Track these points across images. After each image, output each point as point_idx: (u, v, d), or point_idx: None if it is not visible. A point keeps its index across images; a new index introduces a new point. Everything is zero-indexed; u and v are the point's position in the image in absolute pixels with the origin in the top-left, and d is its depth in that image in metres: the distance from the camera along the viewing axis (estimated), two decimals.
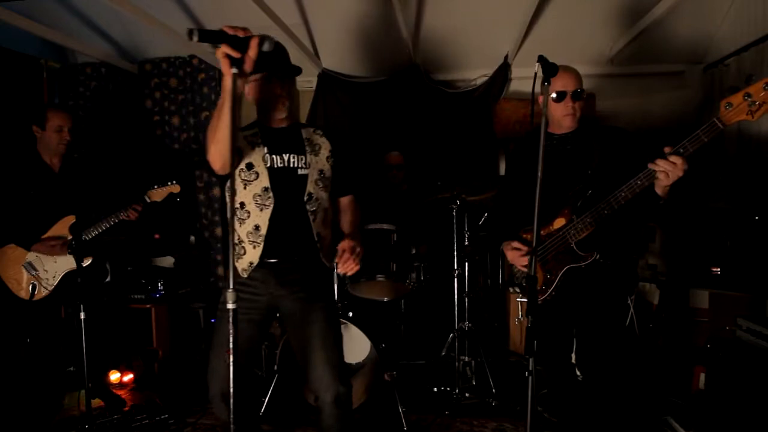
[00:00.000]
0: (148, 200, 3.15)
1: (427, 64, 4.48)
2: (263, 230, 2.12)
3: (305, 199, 2.15)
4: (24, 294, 3.10)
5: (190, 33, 1.54)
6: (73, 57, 4.66)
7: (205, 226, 4.64)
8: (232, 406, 1.50)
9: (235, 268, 1.55)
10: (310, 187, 2.16)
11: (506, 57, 4.39)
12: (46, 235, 3.13)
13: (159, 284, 4.14)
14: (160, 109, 4.67)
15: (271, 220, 2.10)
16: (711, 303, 3.47)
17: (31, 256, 3.13)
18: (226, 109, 1.74)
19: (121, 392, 3.60)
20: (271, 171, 2.12)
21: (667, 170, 1.99)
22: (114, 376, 3.71)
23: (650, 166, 2.03)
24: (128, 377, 3.75)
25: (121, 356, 3.81)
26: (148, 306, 3.97)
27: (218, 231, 4.60)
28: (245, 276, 2.16)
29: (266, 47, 1.63)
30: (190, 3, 4.02)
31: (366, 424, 3.15)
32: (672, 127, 4.26)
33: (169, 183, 3.18)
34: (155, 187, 3.16)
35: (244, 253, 2.15)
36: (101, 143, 4.42)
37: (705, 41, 4.10)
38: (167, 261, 4.45)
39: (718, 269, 3.56)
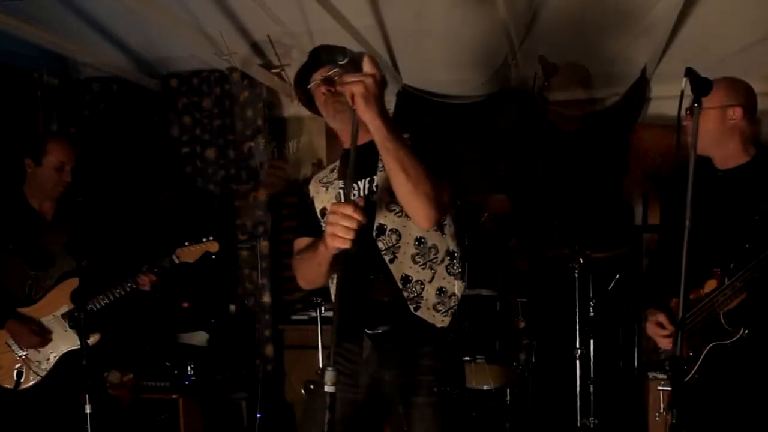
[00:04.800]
0: (177, 261, 2.91)
1: (538, 80, 3.82)
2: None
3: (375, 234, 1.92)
4: (8, 382, 2.73)
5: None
6: (75, 70, 4.18)
7: (249, 291, 4.11)
8: None
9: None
10: (380, 218, 1.90)
11: (643, 70, 3.70)
12: (38, 305, 2.79)
13: (188, 368, 3.77)
14: (191, 139, 4.18)
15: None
16: None
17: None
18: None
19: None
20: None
21: None
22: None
23: None
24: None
25: None
26: (174, 396, 3.58)
27: (266, 298, 4.04)
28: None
29: None
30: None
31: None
32: None
33: (204, 240, 2.93)
34: (186, 244, 2.92)
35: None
36: (112, 183, 4.03)
37: None
38: (199, 337, 4.12)
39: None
